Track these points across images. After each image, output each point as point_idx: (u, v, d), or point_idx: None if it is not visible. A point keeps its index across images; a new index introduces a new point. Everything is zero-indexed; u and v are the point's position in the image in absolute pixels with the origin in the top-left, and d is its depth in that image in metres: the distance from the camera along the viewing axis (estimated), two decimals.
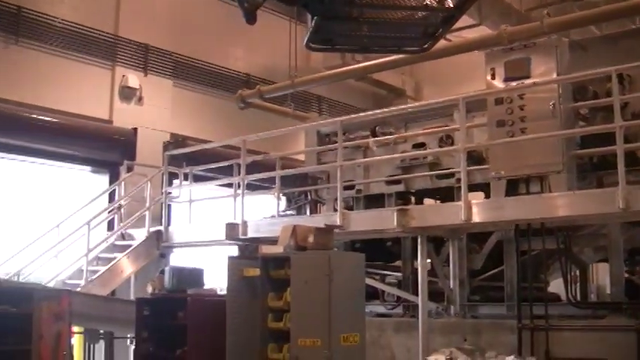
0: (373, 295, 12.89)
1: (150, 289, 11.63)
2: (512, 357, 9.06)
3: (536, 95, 10.53)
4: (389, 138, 12.85)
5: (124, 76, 16.99)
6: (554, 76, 10.52)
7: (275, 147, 15.91)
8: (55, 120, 15.58)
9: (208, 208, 15.95)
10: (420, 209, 11.51)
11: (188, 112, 18.35)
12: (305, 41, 5.08)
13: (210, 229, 13.88)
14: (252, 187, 15.00)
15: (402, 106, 14.95)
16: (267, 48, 19.11)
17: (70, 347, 11.65)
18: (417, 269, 11.33)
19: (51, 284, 13.34)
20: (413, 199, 13.34)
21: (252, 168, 13.83)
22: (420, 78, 23.69)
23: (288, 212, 15.27)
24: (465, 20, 13.48)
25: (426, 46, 5.25)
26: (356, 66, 16.66)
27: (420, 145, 12.68)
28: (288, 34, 14.03)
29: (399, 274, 13.10)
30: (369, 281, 11.48)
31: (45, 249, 14.12)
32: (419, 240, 10.95)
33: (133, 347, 12.57)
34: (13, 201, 15.61)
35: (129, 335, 13.28)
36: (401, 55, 13.36)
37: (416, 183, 12.84)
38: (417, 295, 11.23)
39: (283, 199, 15.61)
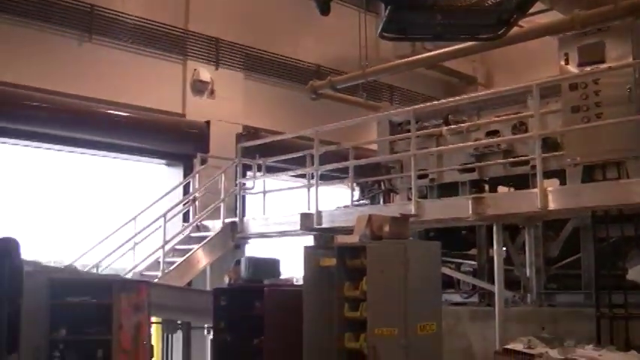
0: (449, 283, 12.85)
1: (227, 280, 11.77)
2: (591, 346, 8.92)
3: (612, 80, 10.36)
4: (462, 126, 12.78)
5: (195, 70, 17.15)
6: (630, 59, 10.33)
7: (347, 137, 15.94)
8: (129, 115, 15.82)
9: (282, 199, 16.07)
10: (495, 197, 11.45)
11: (260, 104, 18.46)
12: (378, 31, 5.09)
13: (285, 220, 13.99)
14: (325, 178, 15.06)
15: (475, 94, 14.81)
16: (337, 38, 19.07)
17: (150, 337, 11.85)
18: (492, 257, 11.26)
19: (129, 276, 13.61)
20: (487, 186, 13.24)
21: (325, 158, 13.92)
22: (491, 65, 23.41)
23: (362, 202, 15.29)
24: (536, 5, 13.26)
25: (500, 32, 5.21)
26: (426, 54, 16.53)
27: (494, 133, 12.58)
28: (358, 23, 13.97)
29: (474, 262, 13.04)
30: (444, 270, 11.43)
31: (123, 241, 14.41)
32: (494, 228, 10.87)
33: (210, 337, 12.74)
34: (92, 195, 15.93)
35: (206, 325, 13.46)
36: (471, 43, 13.22)
37: (490, 171, 12.75)
38: (492, 283, 11.17)
39: (357, 189, 15.65)
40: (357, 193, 15.70)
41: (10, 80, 14.13)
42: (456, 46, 14.77)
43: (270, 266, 11.68)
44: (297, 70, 19.32)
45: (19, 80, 14.26)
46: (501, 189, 13.44)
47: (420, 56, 16.74)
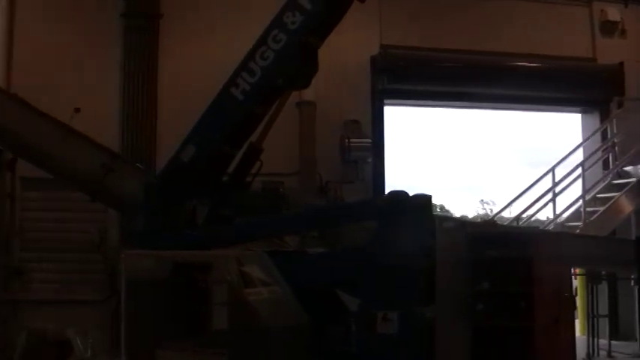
0: None
1: None
2: None
3: None
4: None
5: (602, 10, 16.32)
6: None
7: None
8: (540, 65, 15.61)
9: None
10: None
11: None
12: None
13: None
14: None
15: None
16: None
17: (573, 289, 11.67)
18: None
19: (550, 227, 13.48)
20: None
21: None
22: None
23: None
24: None
25: None
26: None
27: None
28: None
29: None
30: None
31: (541, 193, 14.32)
32: None
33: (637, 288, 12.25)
34: (508, 150, 16.05)
35: (633, 276, 12.92)
36: None
37: None
38: None
39: None
40: None
41: (418, 44, 14.63)
42: None
43: None
44: None
45: (426, 43, 14.71)
46: None
47: None
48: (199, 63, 13.90)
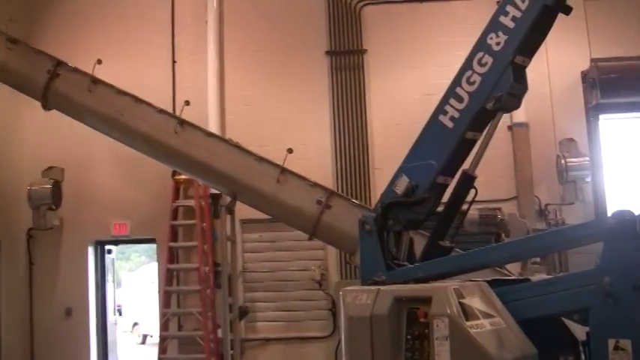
0: None
1: None
2: None
3: None
4: None
5: None
6: None
7: None
8: None
9: None
10: None
11: None
12: None
13: None
14: None
15: None
16: None
17: None
18: None
19: None
20: None
21: None
22: None
23: None
24: None
25: None
26: None
27: None
28: None
29: None
30: None
31: None
32: None
33: None
34: None
35: None
36: None
37: None
38: None
39: None
40: None
41: (629, 54, 13.90)
42: None
43: None
44: None
45: (637, 52, 13.98)
46: None
47: None
48: (405, 95, 13.96)
